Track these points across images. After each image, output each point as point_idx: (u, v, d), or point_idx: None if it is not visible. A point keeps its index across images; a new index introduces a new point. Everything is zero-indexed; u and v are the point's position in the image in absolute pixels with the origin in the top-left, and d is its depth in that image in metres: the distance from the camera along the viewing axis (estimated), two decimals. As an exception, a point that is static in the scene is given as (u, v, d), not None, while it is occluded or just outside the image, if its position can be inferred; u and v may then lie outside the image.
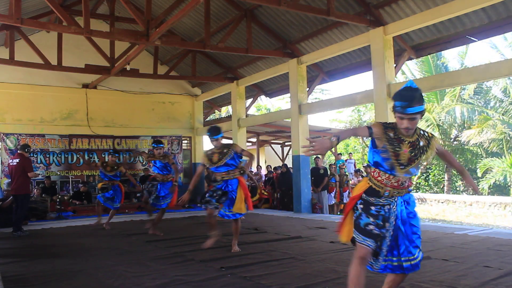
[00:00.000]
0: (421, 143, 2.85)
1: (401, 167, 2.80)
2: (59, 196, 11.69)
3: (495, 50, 18.20)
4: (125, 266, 4.74)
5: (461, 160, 20.46)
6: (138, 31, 9.52)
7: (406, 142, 2.81)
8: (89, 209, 11.60)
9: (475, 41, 8.47)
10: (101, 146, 13.76)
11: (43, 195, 11.35)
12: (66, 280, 4.23)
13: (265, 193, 12.96)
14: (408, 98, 2.68)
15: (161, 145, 7.43)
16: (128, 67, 11.16)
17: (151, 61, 13.17)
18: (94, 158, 13.62)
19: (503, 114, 18.40)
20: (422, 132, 2.90)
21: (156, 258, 5.15)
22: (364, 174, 12.17)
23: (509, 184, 17.33)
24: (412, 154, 2.81)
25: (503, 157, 17.70)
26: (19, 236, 7.69)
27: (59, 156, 13.11)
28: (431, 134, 2.96)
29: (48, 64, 11.00)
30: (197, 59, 13.14)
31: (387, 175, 2.85)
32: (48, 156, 12.92)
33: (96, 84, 13.34)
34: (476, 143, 18.23)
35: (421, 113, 2.73)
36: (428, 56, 16.83)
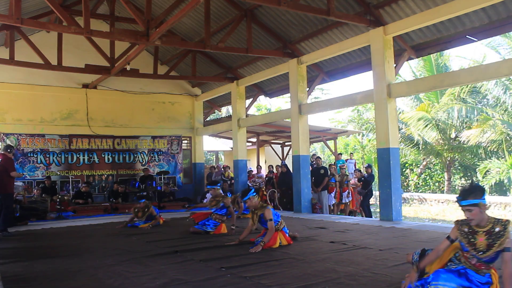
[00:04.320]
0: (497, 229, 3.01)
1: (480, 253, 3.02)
2: (59, 196, 11.68)
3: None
4: (125, 266, 4.74)
5: (459, 159, 20.47)
6: (138, 31, 9.52)
7: (481, 232, 3.02)
8: (89, 209, 11.62)
9: (475, 41, 8.47)
10: (101, 146, 13.76)
11: (43, 195, 11.35)
12: (66, 280, 4.23)
13: (265, 193, 12.92)
14: (462, 192, 2.97)
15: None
16: (128, 67, 11.16)
17: (151, 61, 13.18)
18: (94, 158, 13.62)
19: (503, 114, 18.33)
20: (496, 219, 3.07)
21: (156, 258, 5.15)
22: (365, 174, 12.12)
23: (508, 184, 17.32)
24: (490, 240, 2.99)
25: (502, 158, 17.66)
26: (4, 236, 7.62)
27: (59, 156, 13.11)
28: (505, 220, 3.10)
29: (48, 64, 11.00)
30: (197, 59, 13.14)
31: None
32: (48, 156, 12.92)
33: (96, 84, 13.34)
34: (476, 143, 18.14)
35: (477, 205, 2.93)
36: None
